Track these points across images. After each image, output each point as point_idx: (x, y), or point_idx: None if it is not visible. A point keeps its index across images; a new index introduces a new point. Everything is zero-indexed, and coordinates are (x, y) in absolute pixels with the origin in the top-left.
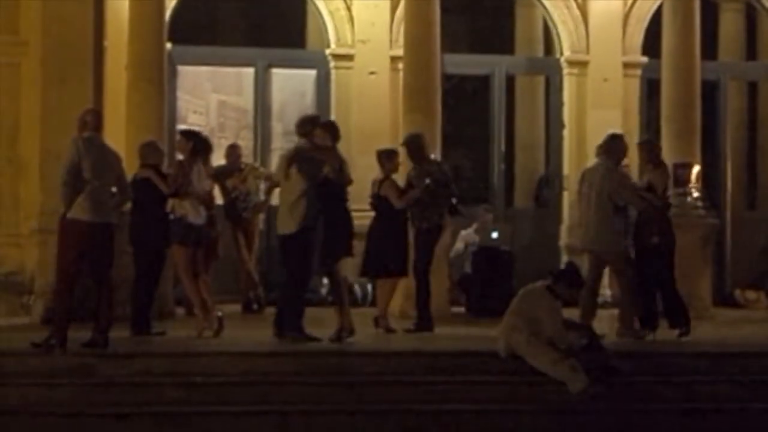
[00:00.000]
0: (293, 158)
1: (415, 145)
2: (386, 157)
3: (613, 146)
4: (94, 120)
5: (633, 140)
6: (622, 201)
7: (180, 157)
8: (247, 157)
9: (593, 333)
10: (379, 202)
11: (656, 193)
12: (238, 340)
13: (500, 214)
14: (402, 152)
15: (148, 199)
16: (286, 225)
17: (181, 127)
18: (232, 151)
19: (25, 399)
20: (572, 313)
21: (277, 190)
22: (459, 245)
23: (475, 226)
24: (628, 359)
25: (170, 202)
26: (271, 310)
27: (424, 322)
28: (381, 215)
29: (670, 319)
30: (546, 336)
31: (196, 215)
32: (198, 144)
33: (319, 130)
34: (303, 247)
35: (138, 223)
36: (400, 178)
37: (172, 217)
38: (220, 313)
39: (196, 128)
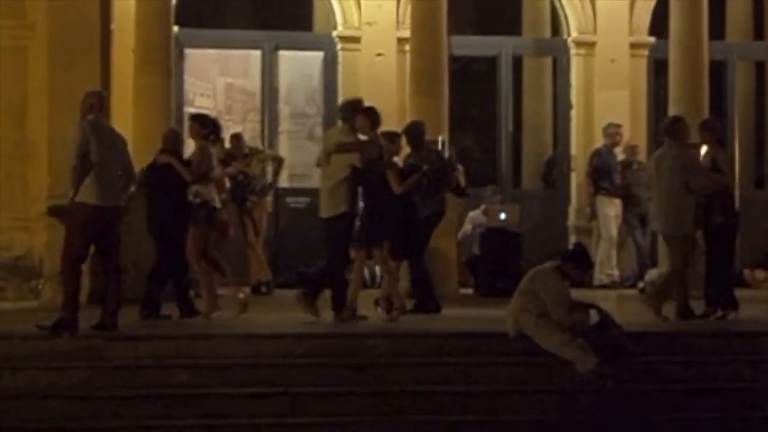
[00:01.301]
0: (335, 149)
1: (414, 132)
2: (389, 140)
3: (676, 128)
4: (98, 102)
5: (640, 121)
6: (694, 183)
7: (191, 142)
8: (254, 139)
9: (604, 312)
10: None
11: (722, 173)
12: (247, 322)
13: (508, 195)
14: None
15: (168, 185)
16: (326, 209)
17: (191, 110)
18: (235, 141)
19: (34, 382)
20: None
21: (285, 173)
22: (467, 226)
23: (482, 207)
24: (637, 339)
25: (193, 187)
26: (279, 293)
27: (429, 303)
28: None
29: (722, 299)
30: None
31: (217, 199)
32: (211, 128)
33: (360, 116)
34: (342, 231)
35: (158, 209)
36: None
37: (197, 201)
38: (241, 295)
39: (204, 112)
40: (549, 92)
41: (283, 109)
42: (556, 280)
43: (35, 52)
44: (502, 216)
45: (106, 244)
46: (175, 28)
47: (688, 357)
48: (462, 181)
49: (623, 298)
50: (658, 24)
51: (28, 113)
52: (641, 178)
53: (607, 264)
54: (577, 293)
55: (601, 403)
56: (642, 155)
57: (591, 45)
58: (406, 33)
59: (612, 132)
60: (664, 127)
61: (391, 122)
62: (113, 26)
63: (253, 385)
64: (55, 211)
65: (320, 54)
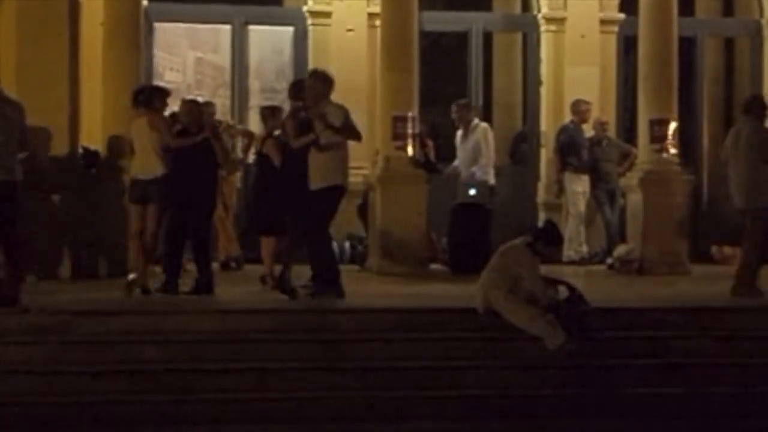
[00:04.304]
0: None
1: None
2: (270, 114)
3: (753, 105)
4: None
5: (610, 97)
6: (766, 154)
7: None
8: (224, 114)
9: (573, 288)
10: (260, 159)
11: None
12: (216, 297)
13: None
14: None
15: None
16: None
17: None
18: (205, 109)
19: (2, 357)
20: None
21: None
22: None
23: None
24: (605, 315)
25: None
26: (249, 268)
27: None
28: (262, 173)
29: None
30: (525, 292)
31: None
32: None
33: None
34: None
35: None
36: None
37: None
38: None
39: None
40: (519, 68)
41: (253, 84)
42: (529, 256)
43: (3, 26)
44: (472, 192)
45: (13, 216)
46: (145, 2)
47: (655, 332)
48: (432, 156)
49: (592, 274)
50: (628, 0)
51: None
52: (611, 155)
53: (575, 240)
54: (546, 269)
55: (570, 379)
56: (611, 131)
57: (561, 21)
58: (377, 8)
59: (583, 109)
60: (741, 104)
61: (361, 97)
62: None
63: (222, 361)
64: None
65: (290, 29)
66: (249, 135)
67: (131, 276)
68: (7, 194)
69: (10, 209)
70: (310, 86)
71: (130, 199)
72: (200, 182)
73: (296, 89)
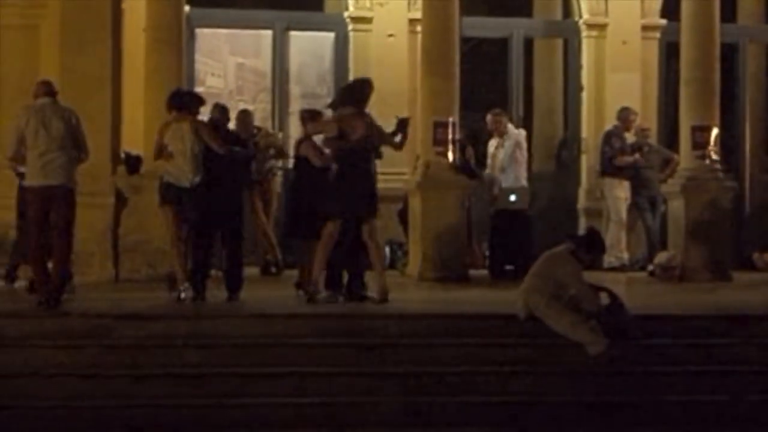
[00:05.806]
0: None
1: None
2: (309, 117)
3: None
4: (43, 89)
5: (651, 104)
6: None
7: None
8: (265, 120)
9: (614, 295)
10: (298, 162)
11: None
12: (257, 302)
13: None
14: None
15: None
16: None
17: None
18: (244, 116)
19: (44, 361)
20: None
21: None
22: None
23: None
24: (646, 322)
25: None
26: (289, 273)
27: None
28: (301, 176)
29: None
30: (567, 298)
31: None
32: None
33: None
34: None
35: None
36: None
37: None
38: None
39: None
40: (560, 74)
41: (294, 90)
42: (572, 264)
43: (47, 31)
44: (512, 198)
45: (56, 222)
46: (187, 8)
47: (697, 340)
48: (473, 162)
49: (633, 281)
50: (670, 6)
51: None
52: (652, 161)
53: (616, 247)
54: (587, 276)
55: (611, 386)
56: (653, 138)
57: (602, 27)
58: (418, 14)
59: (632, 119)
60: None
61: (402, 103)
62: (125, 5)
63: (262, 365)
64: None
65: (331, 35)
66: (281, 152)
67: (182, 291)
68: (66, 198)
69: (65, 215)
70: (368, 94)
71: (165, 200)
72: (229, 189)
73: (357, 94)
